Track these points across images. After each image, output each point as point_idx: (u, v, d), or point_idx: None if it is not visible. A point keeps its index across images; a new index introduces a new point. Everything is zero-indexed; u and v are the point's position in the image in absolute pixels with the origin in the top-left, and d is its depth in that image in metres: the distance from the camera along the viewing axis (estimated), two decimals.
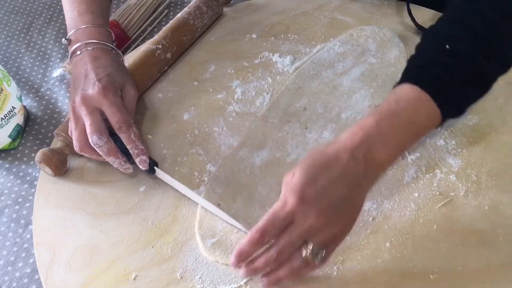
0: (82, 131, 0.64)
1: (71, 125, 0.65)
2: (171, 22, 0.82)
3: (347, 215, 0.53)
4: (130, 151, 0.65)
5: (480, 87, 0.58)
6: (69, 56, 0.70)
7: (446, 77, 0.55)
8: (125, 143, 0.65)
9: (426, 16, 0.85)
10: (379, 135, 0.53)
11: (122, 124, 0.64)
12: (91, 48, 0.68)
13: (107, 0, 0.76)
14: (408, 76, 0.57)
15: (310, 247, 0.50)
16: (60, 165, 0.67)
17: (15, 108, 0.74)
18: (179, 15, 0.83)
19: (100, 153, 0.64)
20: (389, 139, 0.53)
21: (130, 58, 0.77)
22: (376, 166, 0.53)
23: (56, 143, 0.69)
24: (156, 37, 0.80)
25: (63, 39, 0.70)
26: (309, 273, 0.53)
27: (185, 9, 0.84)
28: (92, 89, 0.64)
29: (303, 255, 0.51)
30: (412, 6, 0.84)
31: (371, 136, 0.53)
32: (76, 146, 0.64)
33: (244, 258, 0.52)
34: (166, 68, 0.80)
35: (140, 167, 0.65)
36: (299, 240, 0.51)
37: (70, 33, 0.70)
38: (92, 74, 0.66)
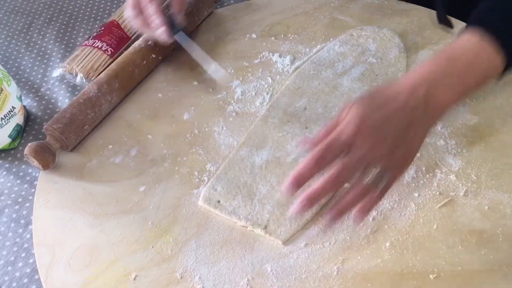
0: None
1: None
2: None
3: (403, 151, 0.53)
4: (152, 24, 0.72)
5: None
6: None
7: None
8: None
9: (433, 18, 0.85)
10: (441, 75, 0.54)
11: None
12: None
13: None
14: (471, 20, 0.56)
15: (371, 172, 0.52)
16: (48, 159, 0.67)
17: (15, 108, 0.74)
18: None
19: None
20: (451, 79, 0.54)
21: None
22: (437, 107, 0.54)
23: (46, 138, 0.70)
24: None
25: None
26: (372, 206, 0.53)
27: None
28: None
29: (364, 180, 0.52)
30: (417, 7, 0.85)
31: (432, 76, 0.53)
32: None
33: (300, 183, 0.51)
34: (153, 55, 0.79)
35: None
36: (356, 166, 0.51)
37: None
38: None
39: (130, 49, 0.79)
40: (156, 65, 0.81)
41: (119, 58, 0.78)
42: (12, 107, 0.74)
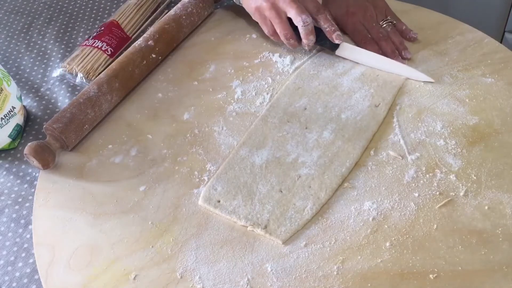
0: (286, 22, 0.77)
1: (273, 21, 0.77)
2: None
3: None
4: (327, 29, 0.77)
5: None
6: None
7: None
8: (322, 23, 0.77)
9: (433, 19, 0.85)
10: None
11: (320, 7, 0.77)
12: None
13: None
14: None
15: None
16: (48, 159, 0.67)
17: (15, 108, 0.74)
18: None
19: (304, 32, 0.75)
20: None
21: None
22: None
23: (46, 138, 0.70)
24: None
25: None
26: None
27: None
28: None
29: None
30: (417, 8, 0.85)
31: None
32: (286, 35, 0.77)
33: None
34: (153, 55, 0.79)
35: (336, 41, 0.77)
36: None
37: None
38: None
39: (130, 49, 0.79)
40: (156, 65, 0.81)
41: (119, 58, 0.78)
42: (12, 107, 0.74)
